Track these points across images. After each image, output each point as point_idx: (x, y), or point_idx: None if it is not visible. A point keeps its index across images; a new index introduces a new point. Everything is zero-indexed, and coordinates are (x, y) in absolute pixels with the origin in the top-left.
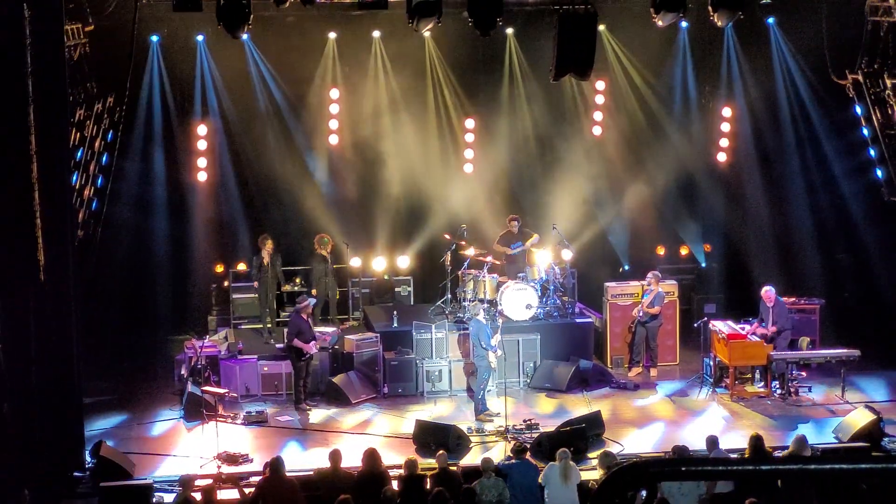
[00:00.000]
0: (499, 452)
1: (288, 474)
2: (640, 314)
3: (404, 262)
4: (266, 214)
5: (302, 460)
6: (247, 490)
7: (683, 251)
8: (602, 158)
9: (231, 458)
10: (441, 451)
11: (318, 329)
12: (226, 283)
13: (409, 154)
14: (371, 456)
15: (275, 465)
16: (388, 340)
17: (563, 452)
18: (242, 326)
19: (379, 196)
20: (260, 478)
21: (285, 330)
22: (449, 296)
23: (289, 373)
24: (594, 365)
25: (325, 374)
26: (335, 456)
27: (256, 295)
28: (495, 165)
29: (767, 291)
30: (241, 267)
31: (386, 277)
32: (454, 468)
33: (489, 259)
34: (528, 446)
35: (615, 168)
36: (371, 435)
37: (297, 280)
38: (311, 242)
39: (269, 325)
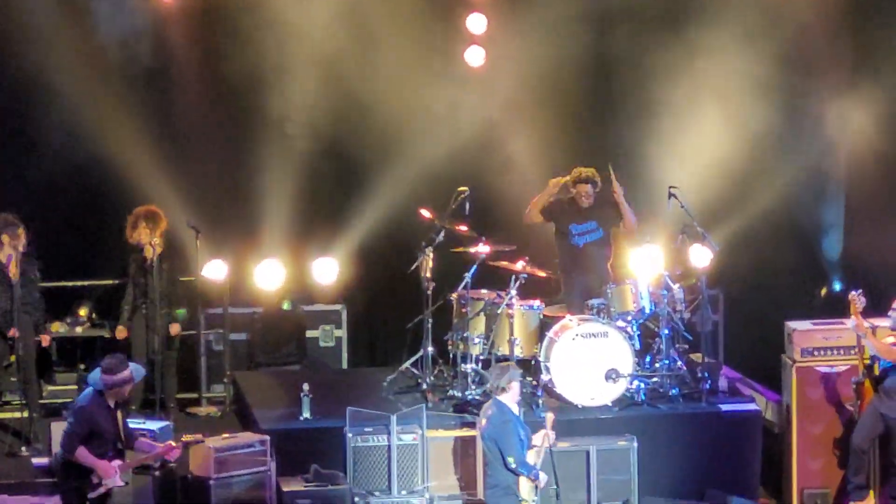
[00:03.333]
0: None
1: None
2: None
3: (327, 273)
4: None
5: None
6: None
7: None
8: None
9: None
10: None
11: (135, 426)
12: None
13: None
14: None
15: None
16: (287, 451)
17: None
18: None
19: (269, 134)
20: None
21: (54, 427)
22: (429, 349)
23: None
24: None
25: None
26: None
27: None
28: (534, 61)
29: None
30: None
31: (286, 307)
32: None
33: (522, 266)
34: None
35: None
36: None
37: (83, 313)
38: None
39: (29, 415)
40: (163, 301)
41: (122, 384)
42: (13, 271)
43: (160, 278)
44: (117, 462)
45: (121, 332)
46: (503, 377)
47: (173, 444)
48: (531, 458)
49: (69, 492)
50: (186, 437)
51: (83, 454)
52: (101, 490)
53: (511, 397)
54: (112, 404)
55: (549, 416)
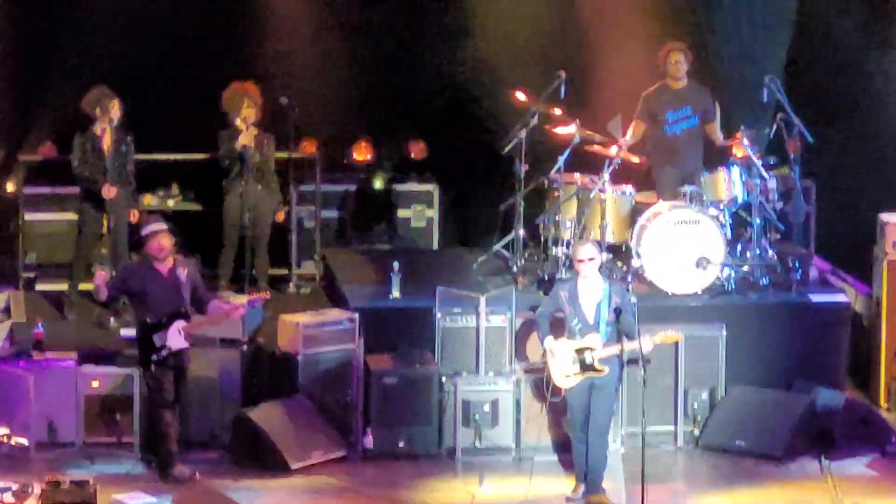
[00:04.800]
0: None
1: None
2: None
3: (420, 153)
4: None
5: None
6: None
7: None
8: None
9: None
10: None
11: (213, 300)
12: (9, 188)
13: None
14: None
15: None
16: (376, 330)
17: None
18: (42, 286)
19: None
20: None
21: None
22: (520, 232)
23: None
24: (850, 402)
25: (226, 399)
26: None
27: (77, 218)
28: None
29: None
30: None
31: (378, 185)
32: None
33: (617, 150)
34: None
35: None
36: None
37: (175, 187)
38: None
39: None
40: (258, 176)
41: (150, 236)
42: (107, 143)
43: (258, 154)
44: (180, 323)
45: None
46: (590, 258)
47: (238, 304)
48: (610, 350)
49: (142, 360)
50: (252, 296)
51: (99, 276)
52: (164, 353)
53: (583, 271)
54: (162, 267)
55: (633, 301)
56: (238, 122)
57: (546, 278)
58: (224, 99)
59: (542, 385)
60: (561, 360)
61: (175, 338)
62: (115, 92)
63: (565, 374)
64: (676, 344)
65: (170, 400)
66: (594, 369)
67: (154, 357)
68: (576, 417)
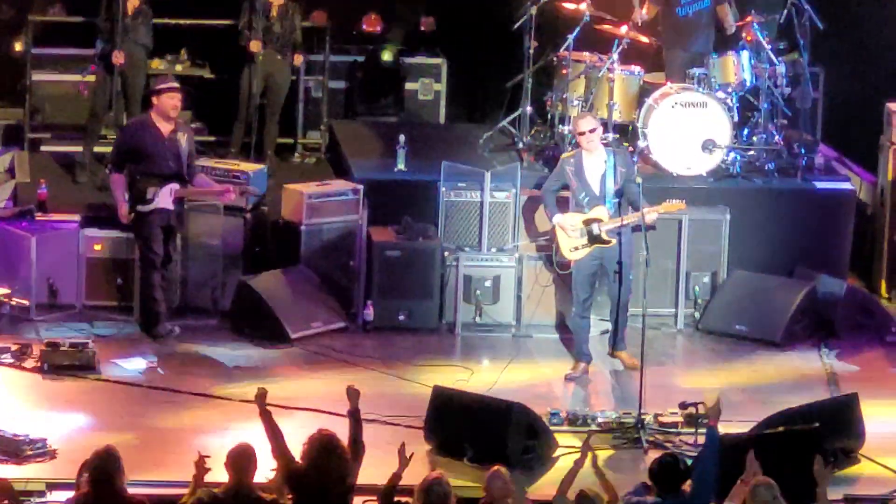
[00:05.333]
0: (625, 472)
1: (130, 491)
2: None
3: (428, 26)
4: None
5: (159, 460)
6: None
7: None
8: None
9: (10, 450)
10: (496, 468)
11: (209, 164)
12: (17, 48)
13: None
14: (328, 453)
15: (100, 469)
16: (380, 202)
17: (766, 489)
18: (48, 148)
19: None
20: (72, 494)
21: None
22: (528, 108)
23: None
24: (851, 290)
25: (228, 267)
26: (241, 456)
27: (90, 80)
28: None
29: None
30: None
31: (387, 57)
32: None
33: (626, 30)
34: (687, 462)
35: None
36: (328, 414)
37: (183, 52)
38: None
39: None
40: (282, 44)
41: (164, 91)
42: (131, 4)
43: (279, 24)
44: (174, 185)
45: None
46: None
47: (230, 187)
48: (609, 223)
49: (130, 208)
50: (244, 188)
51: (115, 182)
52: (149, 207)
53: (585, 144)
54: (164, 128)
55: (638, 182)
56: None
57: (552, 155)
58: None
59: (551, 259)
60: (569, 233)
61: (165, 197)
62: None
63: (573, 247)
64: (679, 226)
65: (157, 259)
66: (601, 241)
67: (139, 206)
68: (580, 291)
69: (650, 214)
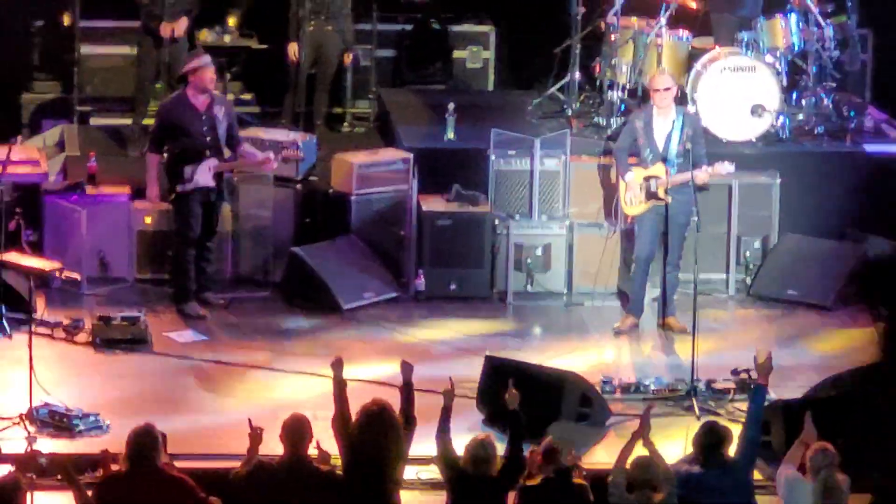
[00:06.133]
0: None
1: (173, 464)
2: None
3: None
4: None
5: (211, 433)
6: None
7: None
8: None
9: (58, 423)
10: (546, 438)
11: (259, 134)
12: (66, 21)
13: None
14: (381, 423)
15: (137, 447)
16: (430, 170)
17: (823, 455)
18: (97, 121)
19: None
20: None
21: None
22: (576, 75)
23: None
24: None
25: (279, 238)
26: (296, 427)
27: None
28: None
29: None
30: None
31: (435, 25)
32: (576, 474)
33: None
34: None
35: None
36: (380, 385)
37: (232, 22)
38: None
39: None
40: (331, 14)
41: (195, 71)
42: None
43: None
44: (212, 161)
45: (292, 48)
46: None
47: (271, 156)
48: (657, 189)
49: (169, 189)
50: (286, 153)
51: (150, 162)
52: (189, 187)
53: (658, 101)
54: (199, 103)
55: (687, 147)
56: None
57: (601, 122)
58: None
59: (605, 222)
60: (630, 188)
61: (204, 174)
62: None
63: (631, 202)
64: (730, 191)
65: (193, 237)
66: (658, 198)
67: (179, 187)
68: (641, 246)
69: (701, 175)
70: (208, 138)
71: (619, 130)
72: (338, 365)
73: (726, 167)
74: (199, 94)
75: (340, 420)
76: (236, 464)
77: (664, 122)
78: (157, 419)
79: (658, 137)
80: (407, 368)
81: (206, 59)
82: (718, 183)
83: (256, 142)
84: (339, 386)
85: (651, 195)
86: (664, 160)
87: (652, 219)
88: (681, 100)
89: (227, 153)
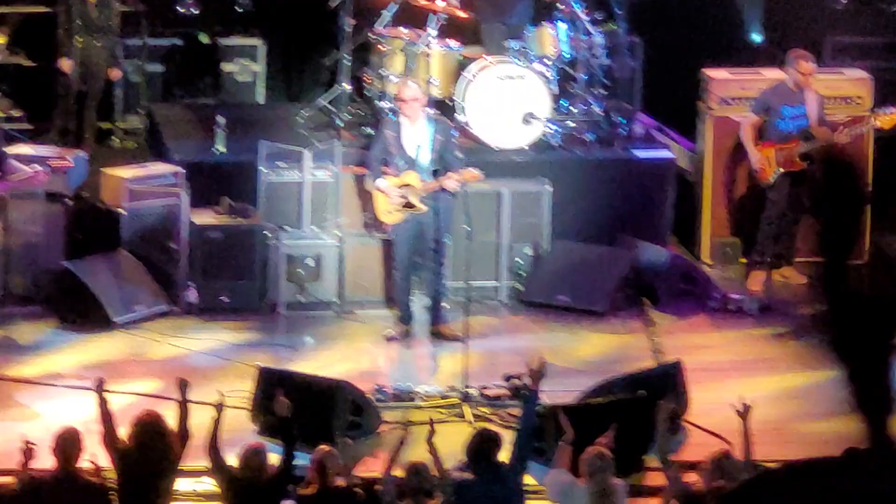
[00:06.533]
0: (449, 446)
1: None
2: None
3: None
4: None
5: None
6: None
7: None
8: None
9: None
10: (321, 447)
11: (27, 150)
12: None
13: None
14: (153, 433)
15: None
16: (200, 184)
17: (598, 459)
18: None
19: None
20: None
21: None
22: (345, 86)
23: None
24: (673, 258)
25: (50, 254)
26: (67, 441)
27: None
28: None
29: None
30: None
31: (203, 39)
32: (342, 483)
33: (441, 5)
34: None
35: None
36: (153, 398)
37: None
38: None
39: None
40: (99, 33)
41: None
42: None
43: (96, 10)
44: None
45: (65, 63)
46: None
47: (40, 168)
48: (415, 190)
49: None
50: (54, 163)
51: None
52: None
53: (406, 111)
54: None
55: (458, 156)
56: None
57: (372, 133)
58: None
59: (370, 229)
60: (385, 197)
61: None
62: None
63: (388, 211)
64: (499, 198)
65: None
66: (413, 206)
67: None
68: (399, 253)
69: (448, 182)
70: None
71: (372, 141)
72: (99, 384)
73: (473, 173)
74: None
75: (109, 435)
76: (9, 479)
77: (414, 131)
78: None
79: (408, 146)
80: (182, 384)
81: None
82: (487, 191)
83: (24, 158)
84: (103, 403)
85: (406, 204)
86: (416, 168)
87: (409, 227)
88: (448, 108)
89: None
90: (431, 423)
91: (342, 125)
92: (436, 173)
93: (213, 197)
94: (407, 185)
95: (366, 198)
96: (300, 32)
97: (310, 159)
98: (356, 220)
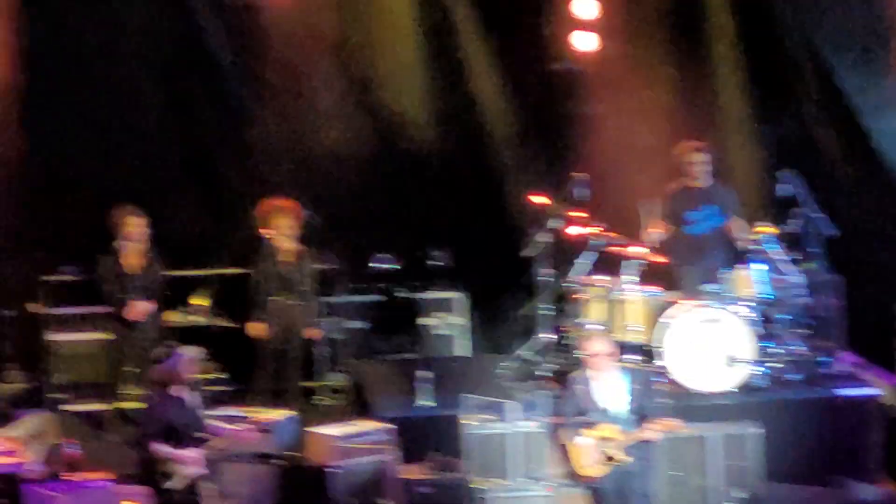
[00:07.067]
0: None
1: None
2: None
3: (441, 260)
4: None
5: None
6: None
7: None
8: None
9: None
10: None
11: (223, 415)
12: (38, 308)
13: None
14: None
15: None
16: (406, 438)
17: None
18: (70, 408)
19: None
20: None
21: None
22: (545, 335)
23: None
24: (885, 494)
25: None
26: None
27: (107, 337)
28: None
29: None
30: (70, 277)
31: (400, 295)
32: None
33: (640, 252)
34: None
35: None
36: None
37: (202, 301)
38: (243, 213)
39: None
40: (297, 291)
41: (173, 370)
42: (132, 261)
43: (300, 271)
44: (195, 451)
45: (256, 329)
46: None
47: (247, 427)
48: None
49: (149, 481)
50: (260, 423)
51: (154, 447)
52: (177, 484)
53: (595, 365)
54: (179, 392)
55: (656, 403)
56: (276, 236)
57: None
58: (259, 214)
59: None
60: (584, 452)
61: (191, 466)
62: (139, 208)
63: (590, 466)
64: (703, 442)
65: None
66: (616, 459)
67: (165, 484)
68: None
69: (649, 432)
70: (191, 427)
71: (563, 396)
72: None
73: (674, 423)
74: (187, 384)
75: None
76: None
77: (605, 383)
78: None
79: (600, 399)
80: None
81: (195, 351)
82: (693, 436)
83: (229, 419)
84: None
85: (609, 458)
86: (615, 420)
87: (614, 477)
88: (648, 354)
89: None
90: None
91: (544, 375)
92: (638, 421)
93: (421, 452)
94: (606, 439)
95: (564, 451)
96: (497, 284)
97: (514, 410)
98: (563, 471)
